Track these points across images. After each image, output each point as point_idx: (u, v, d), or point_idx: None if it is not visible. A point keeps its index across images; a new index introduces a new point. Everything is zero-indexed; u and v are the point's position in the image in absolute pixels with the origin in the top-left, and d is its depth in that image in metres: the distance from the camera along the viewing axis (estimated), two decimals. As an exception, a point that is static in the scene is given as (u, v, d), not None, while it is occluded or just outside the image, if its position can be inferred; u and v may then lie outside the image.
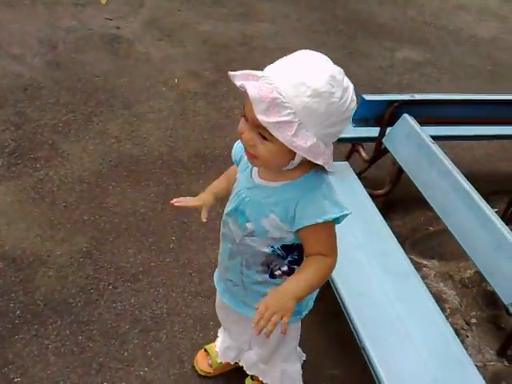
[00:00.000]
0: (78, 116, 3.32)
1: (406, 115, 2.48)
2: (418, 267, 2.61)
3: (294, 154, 1.25)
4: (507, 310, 1.93)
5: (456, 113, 2.84)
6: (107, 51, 4.04)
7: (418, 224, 2.95)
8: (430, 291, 2.15)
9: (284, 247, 1.43)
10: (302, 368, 2.20)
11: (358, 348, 1.91)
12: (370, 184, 2.75)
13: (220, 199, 1.63)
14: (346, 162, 2.76)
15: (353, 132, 2.79)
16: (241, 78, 1.21)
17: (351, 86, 1.24)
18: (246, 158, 1.39)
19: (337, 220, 1.34)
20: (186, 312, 2.31)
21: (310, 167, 1.32)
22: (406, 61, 4.71)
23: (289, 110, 1.16)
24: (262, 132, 1.22)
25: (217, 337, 2.07)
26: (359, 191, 2.53)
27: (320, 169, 1.32)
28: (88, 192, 2.81)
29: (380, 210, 2.46)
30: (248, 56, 4.35)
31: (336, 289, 2.02)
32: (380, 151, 2.75)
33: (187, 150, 3.23)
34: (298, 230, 1.35)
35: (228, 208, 1.49)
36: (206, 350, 2.09)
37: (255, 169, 1.42)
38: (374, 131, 2.73)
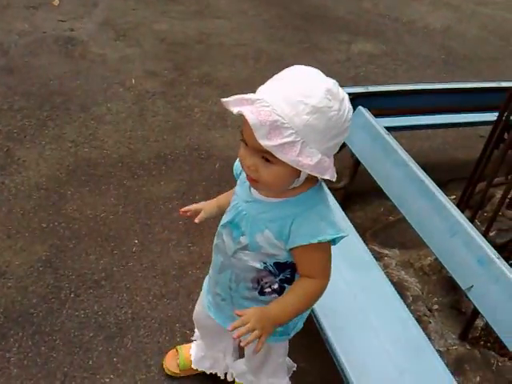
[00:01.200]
0: (33, 121, 3.25)
1: (360, 107, 2.51)
2: (379, 257, 2.65)
3: (299, 172, 1.25)
4: (466, 295, 1.97)
5: (411, 103, 2.89)
6: (61, 54, 3.97)
7: (377, 214, 2.99)
8: (392, 280, 2.19)
9: (277, 264, 1.41)
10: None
11: (323, 340, 1.92)
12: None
13: (223, 212, 1.58)
14: (305, 157, 2.77)
15: (310, 126, 2.81)
16: (235, 103, 1.19)
17: (346, 96, 1.24)
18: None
19: (333, 242, 1.32)
20: (151, 316, 2.29)
21: (309, 184, 1.31)
22: (362, 53, 4.76)
23: (290, 131, 1.15)
24: (266, 155, 1.21)
25: (191, 341, 2.05)
26: (319, 185, 2.54)
27: (319, 186, 1.33)
28: (46, 199, 2.76)
29: (340, 203, 2.48)
30: (206, 53, 4.33)
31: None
32: (338, 144, 2.77)
33: (147, 151, 3.21)
34: (292, 248, 1.34)
35: (224, 220, 1.48)
36: (177, 349, 2.08)
37: None
38: (331, 125, 2.75)
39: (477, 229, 2.01)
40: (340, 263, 2.13)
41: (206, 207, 1.62)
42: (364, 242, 2.26)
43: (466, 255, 1.95)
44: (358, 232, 2.32)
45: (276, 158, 1.18)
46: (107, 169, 3.02)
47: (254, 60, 4.37)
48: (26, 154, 3.01)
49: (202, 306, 1.74)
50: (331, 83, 1.21)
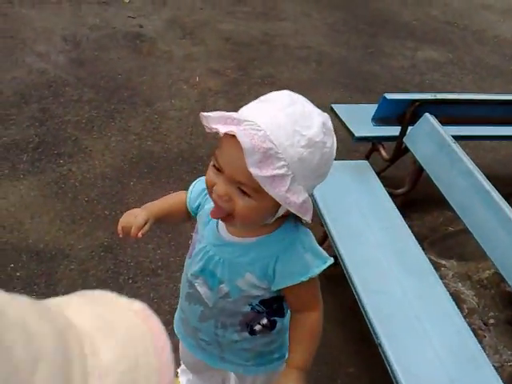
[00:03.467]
0: (101, 113, 3.37)
1: (427, 114, 2.47)
2: (436, 267, 2.59)
3: (277, 209, 1.12)
4: (527, 312, 1.91)
5: (478, 113, 2.82)
6: (130, 49, 4.09)
7: (436, 224, 2.94)
8: (448, 291, 2.14)
9: (262, 302, 1.29)
10: (318, 365, 2.21)
11: (373, 346, 1.91)
12: (389, 183, 2.75)
13: (158, 222, 1.40)
14: (367, 161, 2.76)
15: (373, 131, 2.79)
16: (218, 120, 1.04)
17: (334, 136, 1.14)
18: (206, 207, 1.24)
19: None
20: (204, 307, 2.33)
21: (282, 220, 1.19)
22: (428, 61, 4.68)
23: (283, 162, 1.02)
24: (244, 187, 1.06)
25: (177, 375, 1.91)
26: (379, 190, 2.52)
27: (292, 218, 1.19)
28: (109, 188, 2.85)
29: (399, 209, 2.45)
30: (269, 54, 4.36)
31: (353, 286, 2.02)
32: (401, 150, 2.74)
33: (207, 147, 3.26)
34: (279, 289, 1.23)
35: (193, 268, 1.30)
36: None
37: (221, 222, 1.23)
38: (394, 130, 2.73)
39: (542, 244, 1.95)
40: (397, 270, 2.11)
41: (150, 219, 1.33)
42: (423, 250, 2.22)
43: (530, 270, 1.89)
44: (416, 239, 2.29)
45: (256, 192, 1.05)
46: (168, 162, 3.09)
47: (316, 63, 4.37)
48: (92, 143, 3.12)
49: (186, 349, 1.56)
50: (326, 117, 1.11)
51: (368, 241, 2.22)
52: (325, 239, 2.43)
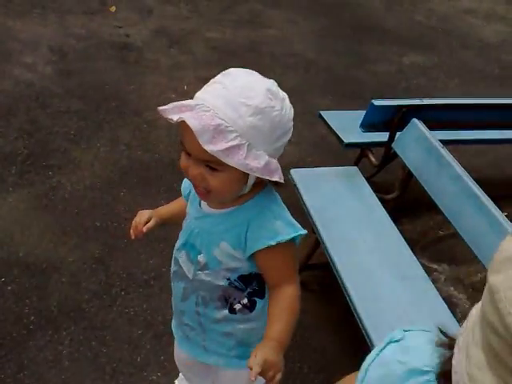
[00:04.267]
0: (89, 123, 3.36)
1: (415, 120, 2.49)
2: (428, 271, 2.61)
3: (247, 177, 1.21)
4: (518, 314, 1.92)
5: (465, 117, 2.85)
6: (117, 59, 4.08)
7: (427, 228, 2.96)
8: (441, 295, 2.16)
9: (241, 278, 1.34)
10: (314, 372, 2.22)
11: (369, 353, 1.91)
12: (379, 189, 2.76)
13: (164, 222, 1.55)
14: (356, 167, 2.77)
15: (362, 137, 2.81)
16: (173, 111, 1.15)
17: (286, 95, 1.22)
18: (194, 191, 1.33)
19: (293, 241, 1.26)
20: (197, 317, 2.32)
21: (257, 189, 1.27)
22: (413, 65, 4.72)
23: (235, 134, 1.12)
24: (211, 164, 1.17)
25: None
26: (369, 196, 2.54)
27: (267, 189, 1.28)
28: (100, 199, 2.84)
29: (389, 215, 2.47)
30: (256, 62, 4.37)
31: (347, 294, 2.03)
32: (389, 156, 2.76)
33: (197, 156, 3.26)
34: (253, 255, 1.28)
35: (178, 243, 1.42)
36: None
37: None
38: (383, 136, 2.75)
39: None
40: (390, 276, 2.12)
41: (154, 218, 1.50)
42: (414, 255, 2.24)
43: (521, 273, 1.90)
44: (409, 245, 2.30)
45: (221, 165, 1.14)
46: (159, 172, 3.09)
47: (303, 70, 4.39)
48: (81, 154, 3.10)
49: (176, 345, 1.64)
50: (270, 83, 1.19)
51: (360, 247, 2.23)
52: (317, 246, 2.43)
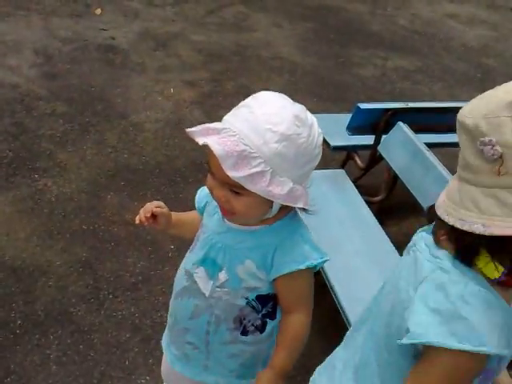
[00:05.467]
0: (75, 126, 3.34)
1: (400, 123, 2.53)
2: (414, 273, 2.64)
3: (272, 201, 1.19)
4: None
5: (449, 120, 2.86)
6: (103, 61, 4.07)
7: (413, 230, 2.93)
8: (427, 296, 2.18)
9: (259, 298, 1.31)
10: (301, 374, 2.23)
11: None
12: (365, 191, 2.79)
13: (173, 227, 1.46)
14: (342, 170, 2.80)
15: (348, 140, 2.84)
16: (200, 133, 1.13)
17: (315, 121, 1.19)
18: (213, 202, 1.30)
19: (315, 267, 1.26)
20: (185, 320, 2.33)
21: (285, 211, 1.26)
22: (397, 69, 4.77)
23: (259, 160, 1.11)
24: (234, 188, 1.16)
25: None
26: (355, 198, 2.56)
27: (294, 212, 1.27)
28: (86, 202, 2.83)
29: (376, 217, 2.50)
30: (242, 66, 4.39)
31: (334, 295, 2.05)
32: (375, 159, 2.79)
33: (184, 158, 3.26)
34: (276, 278, 1.26)
35: (195, 257, 1.35)
36: None
37: None
38: (368, 139, 2.78)
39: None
40: (377, 278, 2.14)
41: (166, 209, 1.42)
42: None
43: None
44: (394, 246, 2.33)
45: (244, 189, 1.12)
46: (145, 175, 3.08)
47: (289, 73, 4.42)
48: (68, 157, 3.09)
49: (167, 363, 1.53)
50: (299, 109, 1.16)
51: (347, 248, 2.25)
52: (304, 248, 2.45)
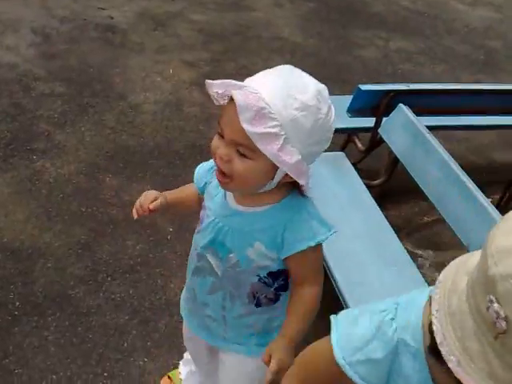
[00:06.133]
0: (74, 107, 3.31)
1: (401, 105, 2.50)
2: (413, 257, 2.63)
3: (274, 173, 1.18)
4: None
5: (451, 103, 2.86)
6: (101, 41, 4.02)
7: (412, 214, 2.98)
8: (426, 281, 2.18)
9: (270, 274, 1.33)
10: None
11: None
12: (365, 174, 2.77)
13: (170, 208, 1.49)
14: (342, 152, 2.78)
15: (348, 122, 2.81)
16: (220, 86, 1.13)
17: (332, 106, 1.20)
18: (213, 183, 1.31)
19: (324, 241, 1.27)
20: (184, 302, 2.33)
21: (286, 191, 1.25)
22: (399, 51, 4.72)
23: (276, 122, 1.10)
24: (242, 149, 1.14)
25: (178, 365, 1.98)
26: (355, 181, 2.55)
27: (295, 192, 1.26)
28: (85, 183, 2.81)
29: (375, 200, 2.48)
30: (242, 46, 4.34)
31: (333, 278, 2.04)
32: (376, 141, 2.77)
33: (183, 140, 3.24)
34: (288, 256, 1.27)
35: (203, 241, 1.35)
36: (169, 376, 2.01)
37: (229, 193, 1.31)
38: (369, 121, 2.75)
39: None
40: (376, 261, 2.14)
41: (160, 198, 1.42)
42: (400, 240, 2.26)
43: (505, 258, 1.92)
44: (394, 231, 2.32)
45: (252, 151, 1.12)
46: (144, 156, 3.06)
47: (290, 54, 4.36)
48: (66, 138, 3.06)
49: (189, 330, 1.62)
50: (322, 86, 1.17)
51: (346, 232, 2.24)
52: (303, 231, 2.44)
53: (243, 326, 1.44)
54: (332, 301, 2.22)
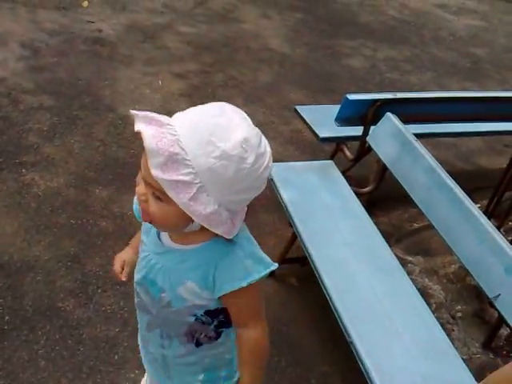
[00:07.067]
0: (63, 120, 3.31)
1: (389, 114, 2.52)
2: (403, 263, 2.64)
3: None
4: (491, 304, 1.97)
5: (438, 110, 2.89)
6: (90, 54, 4.03)
7: (402, 221, 2.99)
8: (416, 287, 2.19)
9: (208, 313, 1.24)
10: (292, 365, 2.23)
11: (346, 344, 1.93)
12: (354, 182, 2.78)
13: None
14: (331, 161, 2.79)
15: (337, 131, 2.83)
16: (142, 120, 1.02)
17: (268, 152, 1.09)
18: None
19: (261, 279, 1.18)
20: (175, 313, 2.32)
21: None
22: (387, 60, 4.77)
23: (189, 169, 1.01)
24: (156, 192, 1.06)
25: None
26: (345, 189, 2.56)
27: None
28: (74, 196, 2.80)
29: (364, 208, 2.49)
30: (231, 57, 4.37)
31: (324, 286, 2.05)
32: (364, 150, 2.79)
33: (173, 152, 3.24)
34: (221, 296, 1.19)
35: (136, 275, 1.29)
36: None
37: None
38: (357, 130, 2.77)
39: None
40: (366, 268, 2.15)
41: (127, 259, 1.43)
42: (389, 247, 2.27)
43: (494, 263, 1.94)
44: (383, 237, 2.33)
45: (165, 195, 1.03)
46: (134, 168, 3.01)
47: (278, 64, 4.40)
48: (55, 151, 3.06)
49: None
50: (254, 133, 1.06)
51: (336, 240, 2.25)
52: (294, 240, 2.45)
53: (187, 365, 1.35)
54: (321, 309, 2.23)
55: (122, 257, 1.45)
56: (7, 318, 2.19)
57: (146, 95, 3.70)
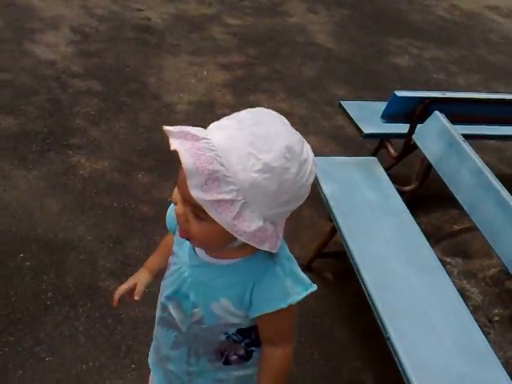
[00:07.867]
0: (110, 105, 3.38)
1: (437, 112, 2.49)
2: (441, 264, 2.62)
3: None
4: (532, 309, 1.93)
5: (486, 112, 2.84)
6: (138, 42, 4.10)
7: (442, 222, 2.95)
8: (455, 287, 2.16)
9: (240, 331, 1.20)
10: (324, 358, 2.23)
11: (379, 341, 1.92)
12: (395, 180, 2.76)
13: (156, 276, 1.42)
14: (375, 157, 2.77)
15: (381, 128, 2.81)
16: (177, 135, 0.96)
17: (311, 157, 1.02)
18: None
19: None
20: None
21: None
22: (434, 60, 4.69)
23: (232, 186, 0.94)
24: (196, 210, 1.00)
25: None
26: (387, 186, 2.54)
27: None
28: (118, 180, 2.86)
29: (407, 205, 2.47)
30: (276, 51, 4.37)
31: (363, 282, 2.04)
32: (409, 148, 2.76)
33: (215, 141, 3.27)
34: (256, 316, 1.15)
35: (167, 290, 1.24)
36: None
37: None
38: (402, 128, 2.74)
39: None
40: (406, 266, 2.13)
41: (142, 279, 1.41)
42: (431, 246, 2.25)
43: (538, 269, 1.91)
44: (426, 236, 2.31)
45: (207, 214, 0.96)
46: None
47: (323, 60, 4.38)
48: (101, 135, 3.13)
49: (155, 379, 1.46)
50: (295, 139, 0.99)
51: (377, 237, 2.24)
52: (332, 234, 2.44)
53: (213, 381, 1.31)
54: (357, 304, 2.23)
55: (138, 277, 1.42)
56: (50, 294, 2.25)
57: (190, 85, 3.74)
